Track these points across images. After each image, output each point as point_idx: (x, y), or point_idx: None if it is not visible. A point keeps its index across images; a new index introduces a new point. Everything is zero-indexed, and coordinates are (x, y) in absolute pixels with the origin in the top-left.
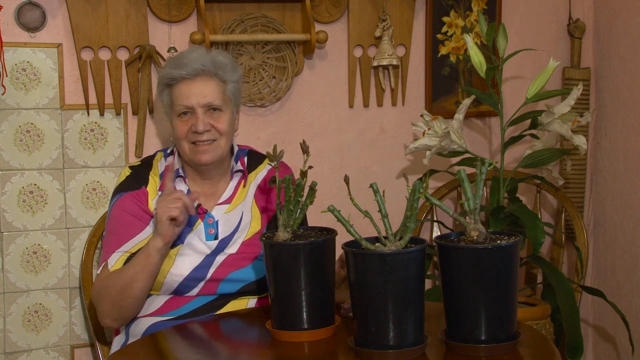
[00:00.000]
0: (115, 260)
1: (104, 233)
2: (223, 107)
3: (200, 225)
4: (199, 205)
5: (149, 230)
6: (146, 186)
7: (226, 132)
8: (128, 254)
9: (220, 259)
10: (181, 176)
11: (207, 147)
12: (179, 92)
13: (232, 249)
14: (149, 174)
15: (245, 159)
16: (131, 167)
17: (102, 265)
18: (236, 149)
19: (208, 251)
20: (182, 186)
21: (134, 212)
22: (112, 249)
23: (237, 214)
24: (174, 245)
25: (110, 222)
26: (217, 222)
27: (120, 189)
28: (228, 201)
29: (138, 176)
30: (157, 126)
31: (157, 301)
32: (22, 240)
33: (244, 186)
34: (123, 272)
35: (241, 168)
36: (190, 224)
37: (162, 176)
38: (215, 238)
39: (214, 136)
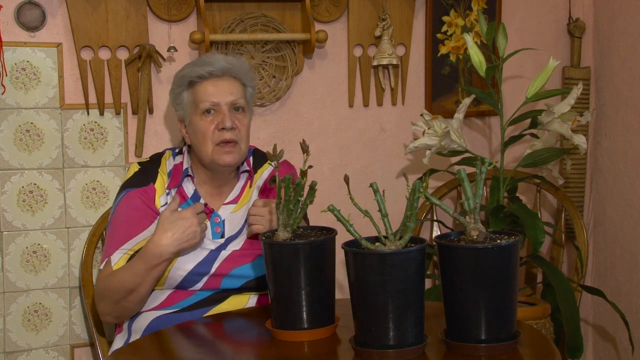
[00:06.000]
0: (118, 259)
1: (107, 227)
2: (245, 109)
3: (207, 224)
4: (206, 204)
5: (153, 227)
6: (154, 183)
7: (246, 134)
8: (131, 252)
9: (224, 254)
10: (190, 175)
11: (232, 148)
12: (204, 89)
13: (236, 245)
14: (157, 171)
15: (251, 159)
16: (140, 164)
17: (105, 261)
18: None
19: (213, 247)
20: (189, 186)
21: (140, 209)
22: (115, 245)
23: (243, 214)
24: None
25: (115, 218)
26: (223, 221)
27: (128, 184)
28: (235, 201)
29: (146, 172)
30: (157, 126)
31: (160, 295)
32: (22, 240)
33: (250, 186)
34: (128, 278)
35: (248, 168)
36: None
37: (170, 175)
38: (222, 237)
39: (236, 137)
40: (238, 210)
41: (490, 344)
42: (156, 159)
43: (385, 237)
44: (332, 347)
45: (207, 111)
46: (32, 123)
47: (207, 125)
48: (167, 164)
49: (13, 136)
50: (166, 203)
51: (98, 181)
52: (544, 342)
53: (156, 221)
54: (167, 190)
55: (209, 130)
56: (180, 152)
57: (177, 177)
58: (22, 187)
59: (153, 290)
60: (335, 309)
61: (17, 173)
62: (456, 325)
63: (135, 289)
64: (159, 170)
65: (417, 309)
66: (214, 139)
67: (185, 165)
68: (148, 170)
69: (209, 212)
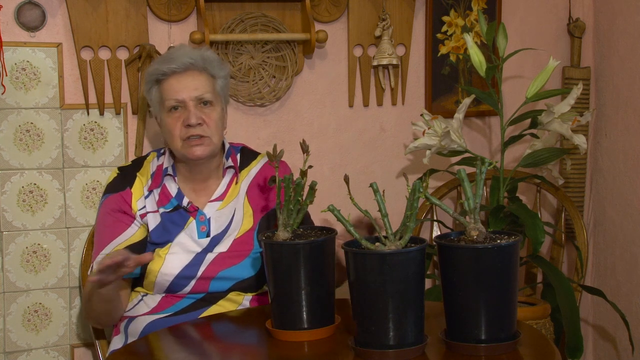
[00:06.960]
0: None
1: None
2: (214, 102)
3: (192, 223)
4: (190, 203)
5: (131, 230)
6: (131, 187)
7: (216, 127)
8: None
9: (210, 257)
10: (170, 175)
11: (200, 141)
12: (169, 86)
13: (223, 246)
14: (136, 174)
15: (238, 156)
16: (120, 168)
17: (91, 267)
18: (227, 146)
19: (199, 249)
20: (172, 185)
21: (115, 214)
22: (97, 251)
23: (230, 211)
24: (164, 244)
25: (97, 224)
26: (209, 219)
27: (107, 190)
28: (220, 198)
29: (124, 177)
30: (157, 126)
31: (153, 300)
32: (22, 240)
33: (236, 183)
34: (93, 307)
35: (232, 164)
36: (181, 223)
37: (153, 176)
38: (207, 235)
39: (204, 131)
40: (224, 208)
41: (490, 344)
42: (138, 162)
43: (386, 237)
44: (332, 347)
45: (174, 108)
46: (32, 123)
47: (174, 122)
48: (151, 166)
49: (13, 136)
50: (144, 206)
51: (98, 181)
52: (544, 342)
53: (133, 225)
54: (147, 192)
55: (176, 127)
56: (165, 153)
57: (159, 178)
58: (22, 187)
59: (145, 295)
60: (335, 309)
61: (17, 173)
62: (456, 325)
63: (103, 313)
64: (138, 173)
65: (417, 309)
66: (182, 135)
67: (165, 165)
68: (126, 175)
69: (193, 210)
